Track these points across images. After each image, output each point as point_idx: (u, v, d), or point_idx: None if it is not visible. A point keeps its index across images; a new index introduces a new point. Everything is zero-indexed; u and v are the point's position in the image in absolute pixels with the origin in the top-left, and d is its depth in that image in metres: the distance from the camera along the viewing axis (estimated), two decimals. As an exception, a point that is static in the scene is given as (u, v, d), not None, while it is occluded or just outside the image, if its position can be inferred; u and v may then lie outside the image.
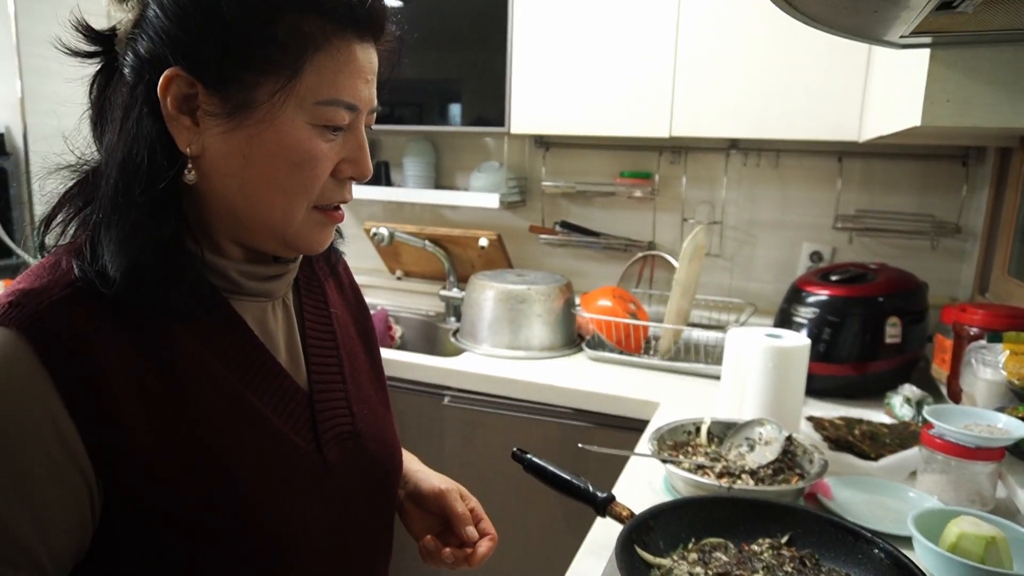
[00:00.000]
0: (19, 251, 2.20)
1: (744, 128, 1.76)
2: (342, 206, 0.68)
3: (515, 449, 0.97)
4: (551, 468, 0.94)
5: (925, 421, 1.18)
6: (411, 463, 0.90)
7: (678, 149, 2.12)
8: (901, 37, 0.93)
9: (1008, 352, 1.29)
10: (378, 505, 0.78)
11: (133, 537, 0.58)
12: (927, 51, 0.99)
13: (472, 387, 1.74)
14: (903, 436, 1.36)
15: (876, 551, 0.84)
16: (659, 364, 1.79)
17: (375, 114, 0.68)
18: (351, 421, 0.74)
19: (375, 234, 2.13)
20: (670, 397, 1.59)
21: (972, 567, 0.90)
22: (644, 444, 1.26)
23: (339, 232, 0.82)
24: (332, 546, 0.70)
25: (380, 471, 0.77)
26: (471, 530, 0.81)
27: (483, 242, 2.15)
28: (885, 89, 1.38)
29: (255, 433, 0.64)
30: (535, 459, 0.95)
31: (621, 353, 1.84)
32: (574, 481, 0.92)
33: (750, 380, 1.27)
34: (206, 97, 0.59)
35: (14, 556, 0.54)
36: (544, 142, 2.25)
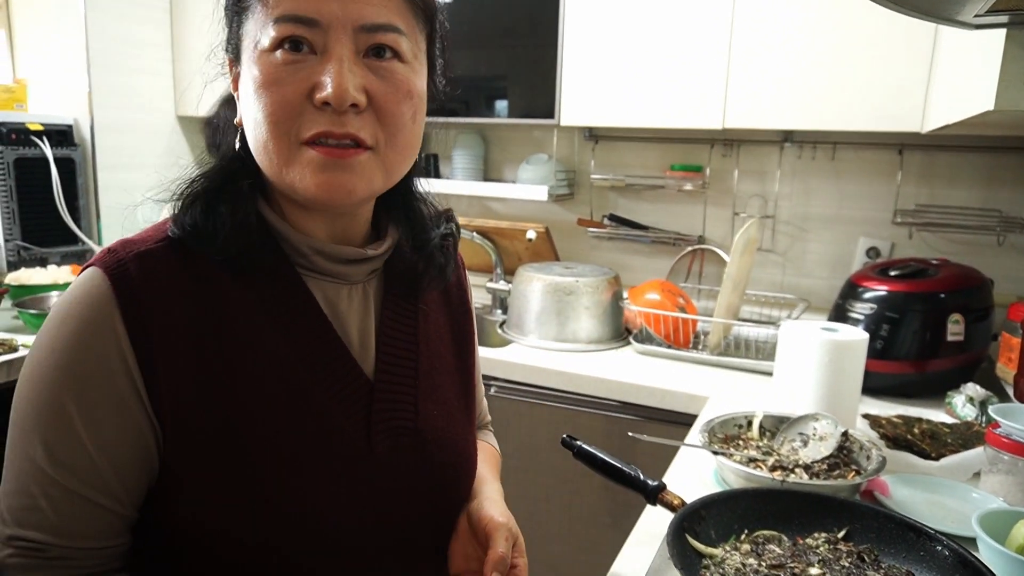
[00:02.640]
0: (86, 239, 2.29)
1: (800, 120, 1.72)
2: (341, 143, 0.60)
3: (565, 436, 0.97)
4: (601, 455, 0.93)
5: (991, 420, 1.14)
6: (487, 485, 0.82)
7: (730, 142, 2.08)
8: (976, 16, 0.90)
9: (1081, 351, 1.23)
10: (436, 508, 0.75)
11: (178, 490, 0.61)
12: (1003, 31, 0.95)
13: (518, 378, 1.74)
14: (966, 436, 1.31)
15: (939, 548, 0.81)
16: (708, 359, 1.76)
17: (382, 33, 0.60)
18: (414, 418, 0.72)
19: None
20: (719, 392, 1.56)
21: (1042, 570, 0.86)
22: (694, 436, 1.24)
23: (456, 227, 0.83)
24: (376, 539, 0.68)
25: (441, 473, 0.74)
26: None
27: (531, 235, 2.14)
28: (953, 74, 1.33)
29: (298, 407, 0.64)
30: (585, 445, 0.94)
31: (669, 347, 1.82)
32: (625, 468, 0.91)
33: (805, 374, 1.24)
34: (226, 53, 0.66)
35: (92, 478, 0.59)
36: (594, 135, 2.23)
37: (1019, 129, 1.64)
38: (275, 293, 0.65)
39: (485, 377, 1.78)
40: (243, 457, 0.62)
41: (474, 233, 2.21)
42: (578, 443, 0.95)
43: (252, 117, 0.62)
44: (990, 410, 1.14)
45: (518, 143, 2.37)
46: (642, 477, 0.90)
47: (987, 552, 0.89)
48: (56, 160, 2.23)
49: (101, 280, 0.59)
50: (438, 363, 0.78)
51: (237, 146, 0.66)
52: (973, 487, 1.13)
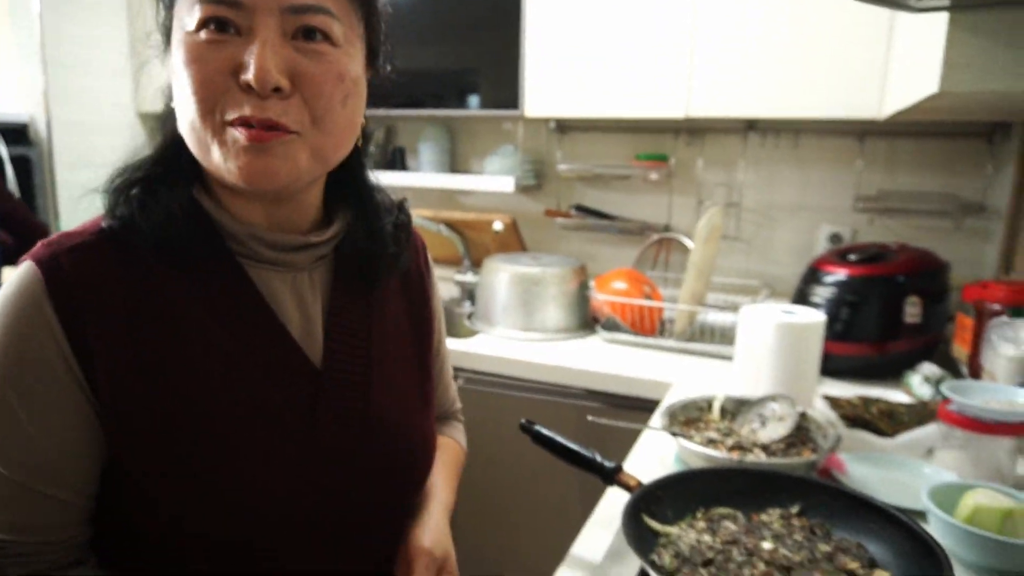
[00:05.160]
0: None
1: (762, 108, 1.73)
2: (261, 126, 0.59)
3: (523, 420, 0.97)
4: (559, 439, 0.93)
5: (944, 397, 1.16)
6: (432, 501, 0.83)
7: (695, 131, 2.10)
8: (919, 0, 0.91)
9: (1031, 328, 1.26)
10: (391, 495, 0.74)
11: (127, 481, 0.61)
12: (946, 15, 0.97)
13: (486, 368, 1.74)
14: (921, 415, 1.33)
15: (888, 520, 0.82)
16: (674, 345, 1.78)
17: (311, 15, 0.59)
18: (364, 406, 0.71)
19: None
20: (684, 378, 1.58)
21: (989, 539, 0.88)
22: (656, 420, 1.25)
23: (408, 217, 0.82)
24: (329, 525, 0.68)
25: (395, 460, 0.74)
26: None
27: (498, 226, 2.14)
28: (905, 60, 1.35)
29: (238, 395, 0.64)
30: (542, 430, 0.95)
31: (635, 335, 1.83)
32: (582, 452, 0.92)
33: (763, 357, 1.26)
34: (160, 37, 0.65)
35: (42, 470, 0.60)
36: (561, 126, 2.24)
37: (971, 114, 1.67)
38: (213, 281, 0.65)
39: (453, 368, 1.77)
40: (186, 446, 0.61)
41: (441, 225, 2.20)
42: (536, 427, 0.95)
43: (179, 97, 0.61)
44: (943, 387, 1.16)
45: (485, 135, 2.37)
46: (599, 459, 0.90)
47: (936, 524, 0.91)
48: (12, 159, 2.18)
49: (33, 273, 0.60)
50: (394, 351, 0.77)
51: (171, 131, 0.65)
52: (927, 463, 1.15)
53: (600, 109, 1.88)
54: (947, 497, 0.95)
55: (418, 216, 2.17)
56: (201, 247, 0.64)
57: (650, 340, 1.80)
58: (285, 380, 0.67)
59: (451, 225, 2.23)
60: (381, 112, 0.70)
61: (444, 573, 0.73)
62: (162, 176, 0.65)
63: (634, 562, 0.88)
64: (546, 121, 2.24)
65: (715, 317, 1.86)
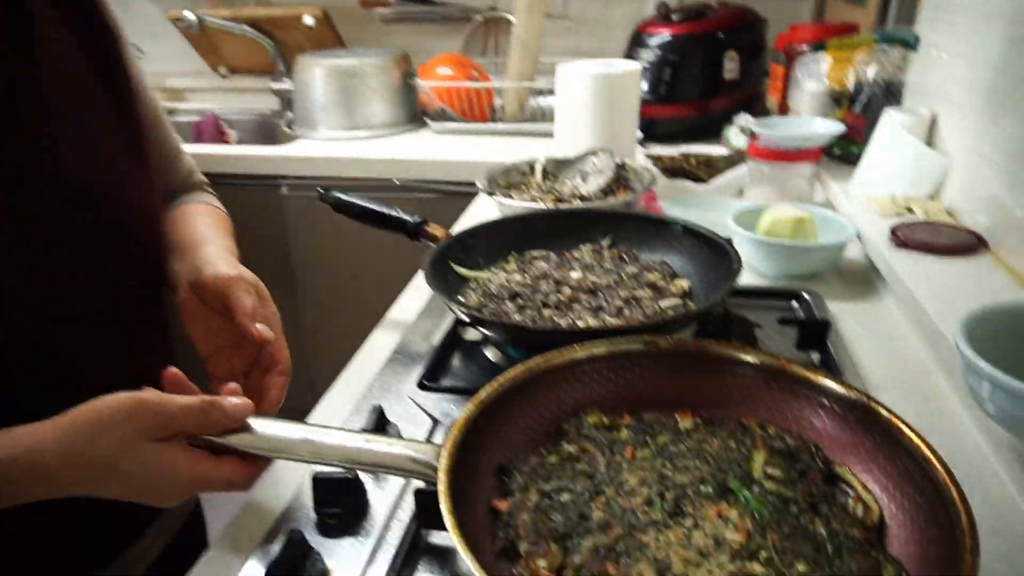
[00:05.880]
0: None
1: None
2: None
3: (319, 189, 0.89)
4: (358, 201, 0.87)
5: (752, 134, 1.19)
6: (205, 248, 0.65)
7: None
8: None
9: (831, 60, 1.29)
10: (111, 274, 0.62)
11: None
12: None
13: (310, 172, 1.62)
14: (736, 162, 1.37)
15: (687, 235, 0.84)
16: (507, 129, 1.72)
17: None
18: (56, 170, 0.57)
19: (182, 21, 1.85)
20: (517, 158, 1.53)
21: (783, 245, 0.93)
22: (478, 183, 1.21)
23: None
24: (43, 325, 0.57)
25: (105, 233, 0.61)
26: (262, 327, 0.54)
27: (308, 20, 1.92)
28: None
29: None
30: (342, 195, 0.87)
31: (466, 122, 1.75)
32: (384, 210, 0.86)
33: (582, 112, 1.22)
34: None
35: None
36: None
37: None
38: None
39: (272, 177, 1.64)
40: None
41: (244, 26, 1.94)
42: (334, 193, 0.87)
43: None
44: (751, 124, 1.18)
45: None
46: (402, 215, 0.85)
47: (739, 241, 0.94)
48: None
49: None
50: (78, 101, 0.61)
51: None
52: (738, 201, 1.19)
53: None
54: (749, 219, 0.99)
55: (215, 18, 1.90)
56: None
57: (482, 126, 1.73)
58: None
59: (255, 25, 1.97)
60: None
61: (262, 298, 0.59)
62: None
63: (448, 316, 0.86)
64: None
65: (548, 101, 1.80)
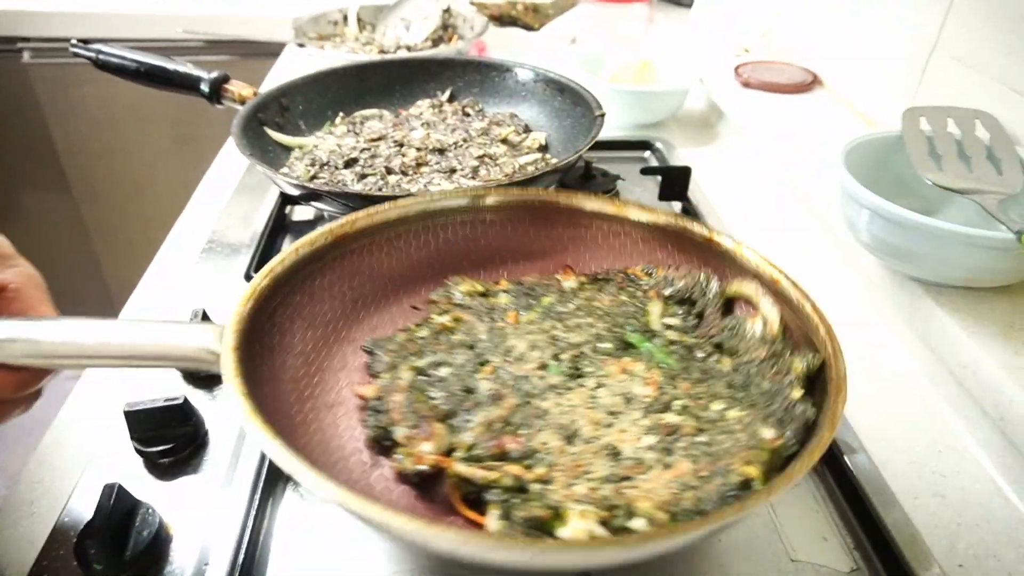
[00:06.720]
0: None
1: None
2: None
3: (73, 40, 0.69)
4: (131, 55, 0.68)
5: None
6: None
7: None
8: None
9: None
10: None
11: None
12: None
13: (61, 32, 1.30)
14: (565, 8, 1.28)
15: (537, 82, 0.75)
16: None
17: None
18: None
19: None
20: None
21: (634, 92, 0.87)
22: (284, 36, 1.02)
23: None
24: None
25: None
26: None
27: None
28: None
29: None
30: (105, 48, 0.68)
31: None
32: (168, 64, 0.68)
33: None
34: None
35: None
36: None
37: None
38: None
39: (10, 39, 1.30)
40: None
41: None
42: (95, 46, 0.68)
43: None
44: (582, -38, 1.09)
45: None
46: (195, 71, 0.68)
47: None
48: None
49: None
50: None
51: None
52: (572, 47, 1.12)
53: None
54: (593, 65, 0.92)
55: None
56: None
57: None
58: None
59: None
60: None
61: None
62: None
63: (269, 193, 0.72)
64: None
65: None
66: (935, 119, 0.56)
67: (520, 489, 0.33)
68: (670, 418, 0.37)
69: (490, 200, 0.49)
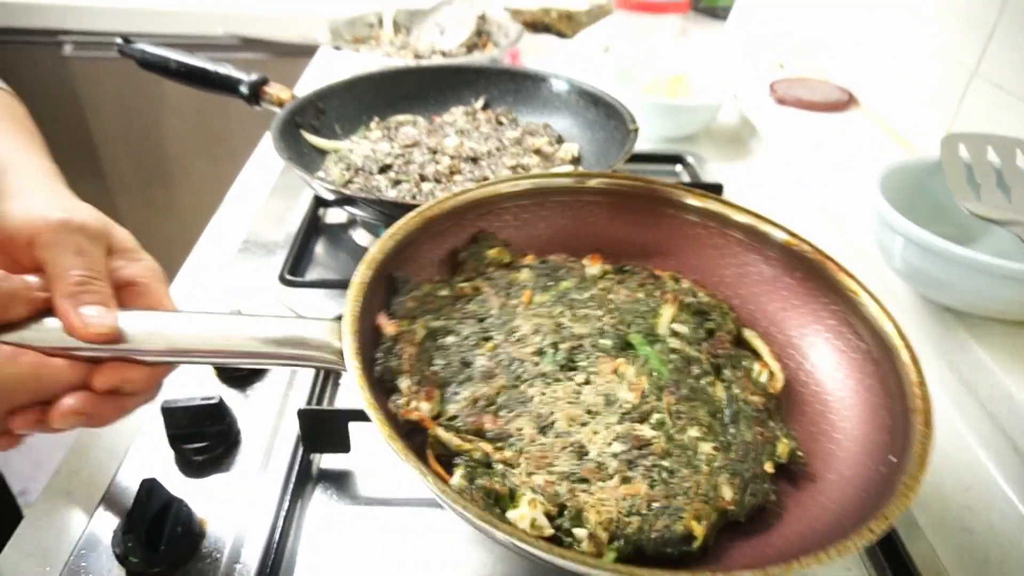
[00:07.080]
0: None
1: None
2: None
3: (119, 40, 0.70)
4: (176, 56, 0.69)
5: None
6: (12, 175, 0.42)
7: None
8: None
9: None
10: None
11: None
12: None
13: (103, 27, 1.33)
14: (599, 16, 1.28)
15: (571, 94, 0.75)
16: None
17: None
18: None
19: None
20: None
21: (666, 105, 0.87)
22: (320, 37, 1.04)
23: None
24: None
25: None
26: (90, 316, 0.34)
27: None
28: None
29: None
30: (149, 48, 0.69)
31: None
32: (210, 67, 0.69)
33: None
34: None
35: None
36: None
37: None
38: None
39: (54, 32, 1.33)
40: None
41: None
42: (138, 46, 0.69)
43: None
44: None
45: None
46: (236, 72, 0.69)
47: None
48: None
49: None
50: None
51: None
52: (608, 58, 1.12)
53: None
54: (627, 76, 0.92)
55: None
56: None
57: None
58: None
59: None
60: None
61: (116, 250, 0.39)
62: None
63: (303, 196, 0.74)
64: None
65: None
66: (974, 147, 0.56)
67: (487, 464, 0.35)
68: (644, 430, 0.38)
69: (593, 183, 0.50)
